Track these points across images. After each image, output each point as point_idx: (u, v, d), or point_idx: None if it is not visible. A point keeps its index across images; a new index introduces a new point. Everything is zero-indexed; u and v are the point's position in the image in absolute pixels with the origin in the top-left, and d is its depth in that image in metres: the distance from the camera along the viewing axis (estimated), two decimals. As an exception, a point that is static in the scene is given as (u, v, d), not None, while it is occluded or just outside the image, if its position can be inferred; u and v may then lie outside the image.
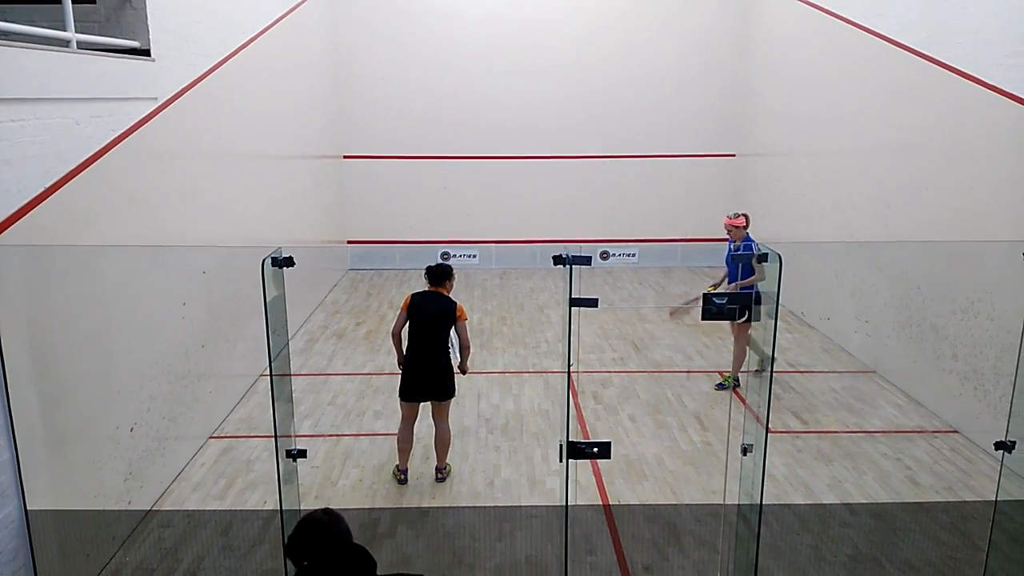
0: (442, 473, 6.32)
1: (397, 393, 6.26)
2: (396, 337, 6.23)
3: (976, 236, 6.92)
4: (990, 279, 6.76)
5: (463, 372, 6.32)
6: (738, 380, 8.10)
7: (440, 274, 6.23)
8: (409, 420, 6.24)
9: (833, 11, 9.78)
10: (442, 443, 6.28)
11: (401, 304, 6.22)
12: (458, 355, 6.24)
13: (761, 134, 12.46)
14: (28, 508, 4.43)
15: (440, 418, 6.26)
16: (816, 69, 10.39)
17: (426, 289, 6.23)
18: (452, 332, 6.15)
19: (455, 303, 6.16)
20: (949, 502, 5.96)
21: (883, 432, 7.16)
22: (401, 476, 6.25)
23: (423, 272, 6.34)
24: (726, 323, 8.45)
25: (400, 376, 6.21)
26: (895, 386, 8.17)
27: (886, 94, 8.59)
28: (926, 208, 7.78)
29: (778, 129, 11.76)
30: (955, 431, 7.13)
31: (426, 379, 6.10)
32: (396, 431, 6.34)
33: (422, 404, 6.28)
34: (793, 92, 11.20)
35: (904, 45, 8.18)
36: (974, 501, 5.96)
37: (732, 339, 8.26)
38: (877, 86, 8.79)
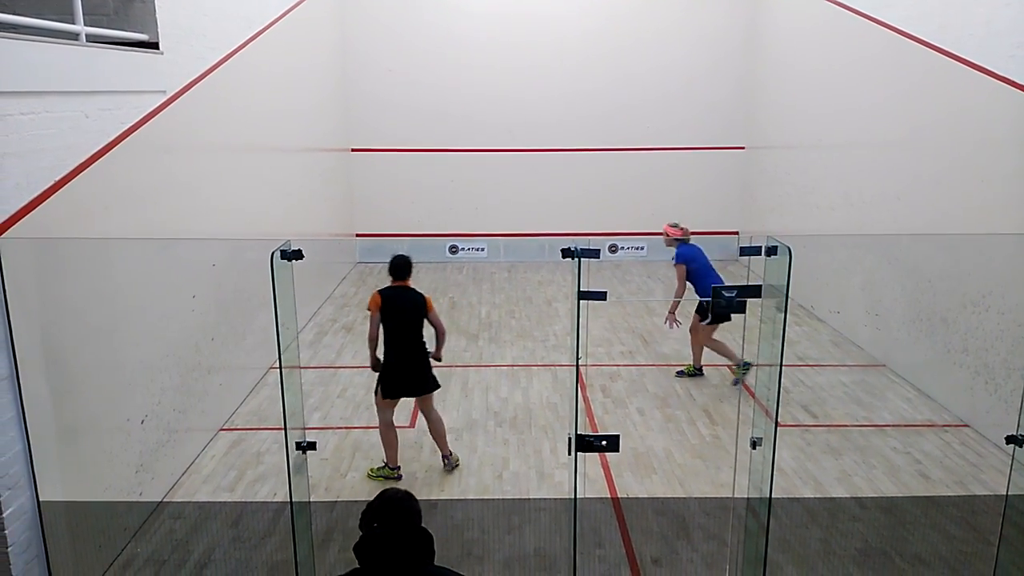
0: (448, 460, 6.31)
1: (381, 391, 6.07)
2: (374, 341, 6.03)
3: (987, 229, 6.87)
4: (1001, 272, 6.72)
5: (438, 359, 6.20)
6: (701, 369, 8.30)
7: (406, 267, 6.06)
8: (390, 417, 6.17)
9: (842, 2, 9.71)
10: (437, 430, 6.27)
11: (370, 306, 6.00)
12: (434, 344, 6.16)
13: (770, 127, 12.40)
14: (40, 499, 4.46)
15: (428, 408, 6.24)
16: (825, 61, 10.33)
17: (392, 285, 6.07)
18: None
19: (423, 295, 6.09)
20: (959, 496, 5.94)
21: (893, 426, 7.13)
22: (398, 474, 6.21)
23: (388, 267, 6.11)
24: (735, 316, 8.42)
25: (381, 375, 6.07)
26: (905, 380, 8.14)
27: (896, 86, 8.53)
28: (937, 201, 7.73)
29: (787, 122, 11.70)
30: (965, 425, 7.10)
31: (411, 375, 6.06)
32: (405, 424, 6.33)
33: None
34: (802, 84, 11.14)
35: (914, 36, 8.12)
36: (985, 495, 5.93)
37: (740, 334, 8.24)
38: (887, 78, 8.73)
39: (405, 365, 6.03)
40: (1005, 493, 4.91)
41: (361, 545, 2.72)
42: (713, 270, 8.02)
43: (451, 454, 6.35)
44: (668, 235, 8.08)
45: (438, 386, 6.22)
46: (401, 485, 6.04)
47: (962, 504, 5.83)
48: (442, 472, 6.31)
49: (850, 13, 9.52)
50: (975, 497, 5.92)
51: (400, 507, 2.84)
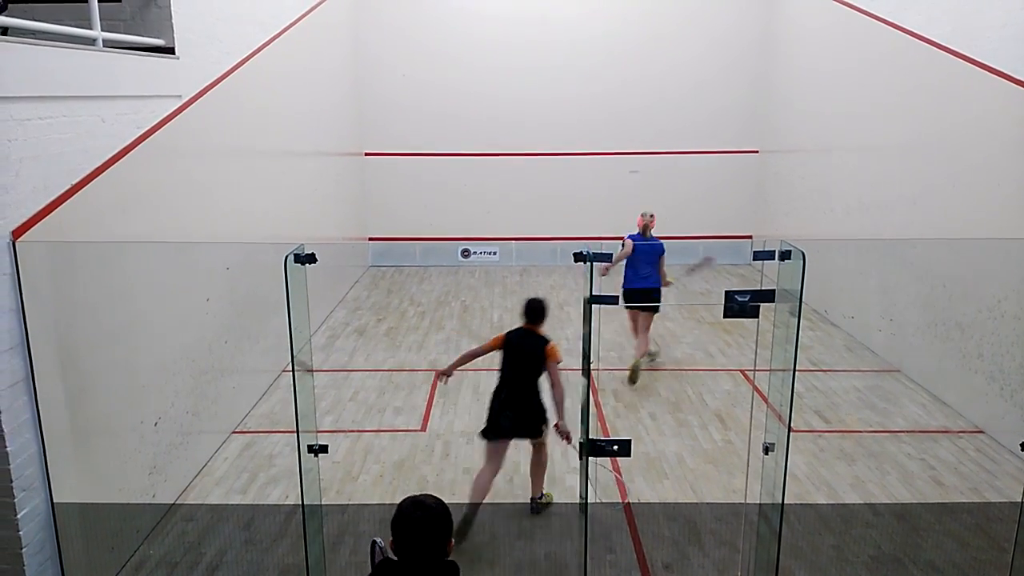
0: (536, 502, 5.79)
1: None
2: (472, 358, 5.82)
3: (1002, 233, 6.83)
4: (1017, 277, 6.67)
5: (561, 432, 5.49)
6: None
7: (539, 311, 5.75)
8: (488, 463, 5.61)
9: (856, 5, 9.68)
10: (537, 471, 5.79)
11: (493, 340, 5.75)
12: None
13: (784, 130, 12.36)
14: (54, 501, 4.49)
15: (537, 448, 5.77)
16: (839, 63, 10.29)
17: (522, 327, 5.74)
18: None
19: (548, 343, 5.66)
20: (974, 503, 5.89)
21: (907, 432, 7.08)
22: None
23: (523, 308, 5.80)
24: (748, 321, 8.37)
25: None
26: (920, 385, 8.08)
27: (910, 89, 8.49)
28: (951, 205, 7.68)
29: (801, 125, 11.66)
30: (980, 431, 7.04)
31: (519, 418, 5.58)
32: (416, 427, 6.31)
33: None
34: (816, 87, 11.10)
35: (928, 39, 8.08)
36: (999, 502, 5.88)
37: (754, 338, 8.21)
38: (901, 80, 8.69)
39: (514, 408, 5.58)
40: (1020, 500, 4.87)
41: None
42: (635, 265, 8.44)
43: (542, 496, 5.82)
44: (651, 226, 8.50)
45: (541, 432, 5.66)
46: (412, 486, 6.07)
47: (977, 511, 5.78)
48: (453, 475, 6.31)
49: (864, 16, 9.49)
50: (990, 504, 5.87)
51: (421, 528, 2.43)
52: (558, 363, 5.54)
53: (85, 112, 4.82)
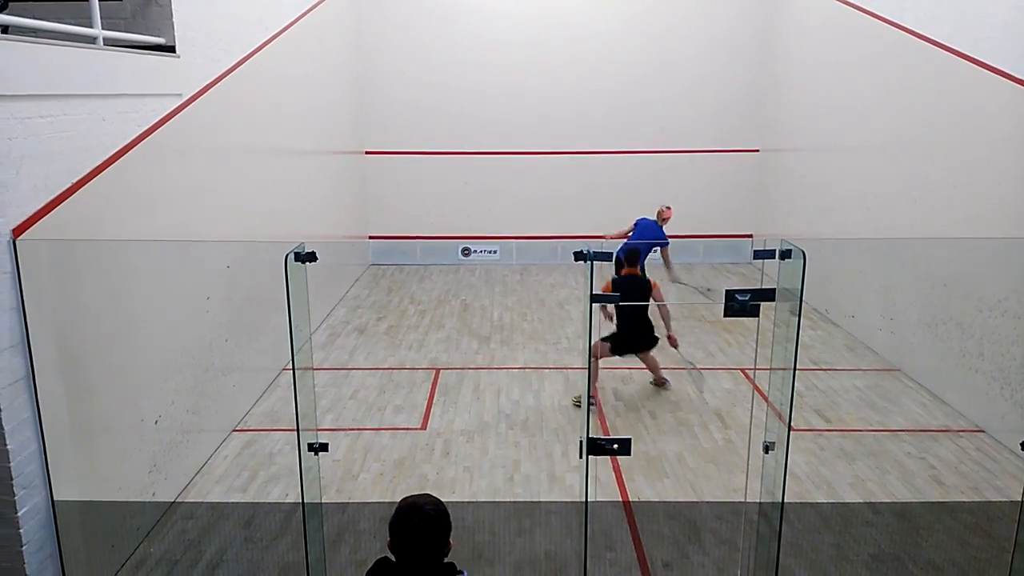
0: (664, 384, 8.02)
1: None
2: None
3: (1003, 233, 6.82)
4: (1017, 276, 6.67)
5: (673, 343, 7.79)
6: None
7: (632, 256, 7.74)
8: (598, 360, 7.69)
9: (857, 3, 9.68)
10: (653, 366, 7.94)
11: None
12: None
13: (785, 129, 12.35)
14: (54, 499, 4.50)
15: (646, 357, 7.88)
16: (840, 62, 10.28)
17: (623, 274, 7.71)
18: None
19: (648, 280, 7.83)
20: (974, 502, 5.89)
21: (907, 431, 7.08)
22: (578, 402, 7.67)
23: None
24: (748, 320, 8.38)
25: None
26: (920, 385, 8.09)
27: (912, 88, 8.49)
28: (953, 204, 7.68)
29: (802, 123, 11.65)
30: (981, 431, 7.04)
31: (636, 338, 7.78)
32: (416, 425, 6.40)
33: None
34: (817, 86, 11.09)
35: (929, 38, 8.08)
36: (1000, 501, 5.88)
37: (754, 337, 8.20)
38: (903, 79, 8.69)
39: (633, 332, 7.71)
40: (1020, 500, 4.87)
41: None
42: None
43: (665, 381, 8.01)
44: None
45: (652, 346, 7.76)
46: (412, 484, 6.07)
47: (977, 510, 5.78)
48: (454, 474, 6.32)
49: (865, 15, 9.48)
50: (990, 503, 5.87)
51: (418, 535, 2.43)
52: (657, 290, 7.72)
53: (85, 110, 4.82)
